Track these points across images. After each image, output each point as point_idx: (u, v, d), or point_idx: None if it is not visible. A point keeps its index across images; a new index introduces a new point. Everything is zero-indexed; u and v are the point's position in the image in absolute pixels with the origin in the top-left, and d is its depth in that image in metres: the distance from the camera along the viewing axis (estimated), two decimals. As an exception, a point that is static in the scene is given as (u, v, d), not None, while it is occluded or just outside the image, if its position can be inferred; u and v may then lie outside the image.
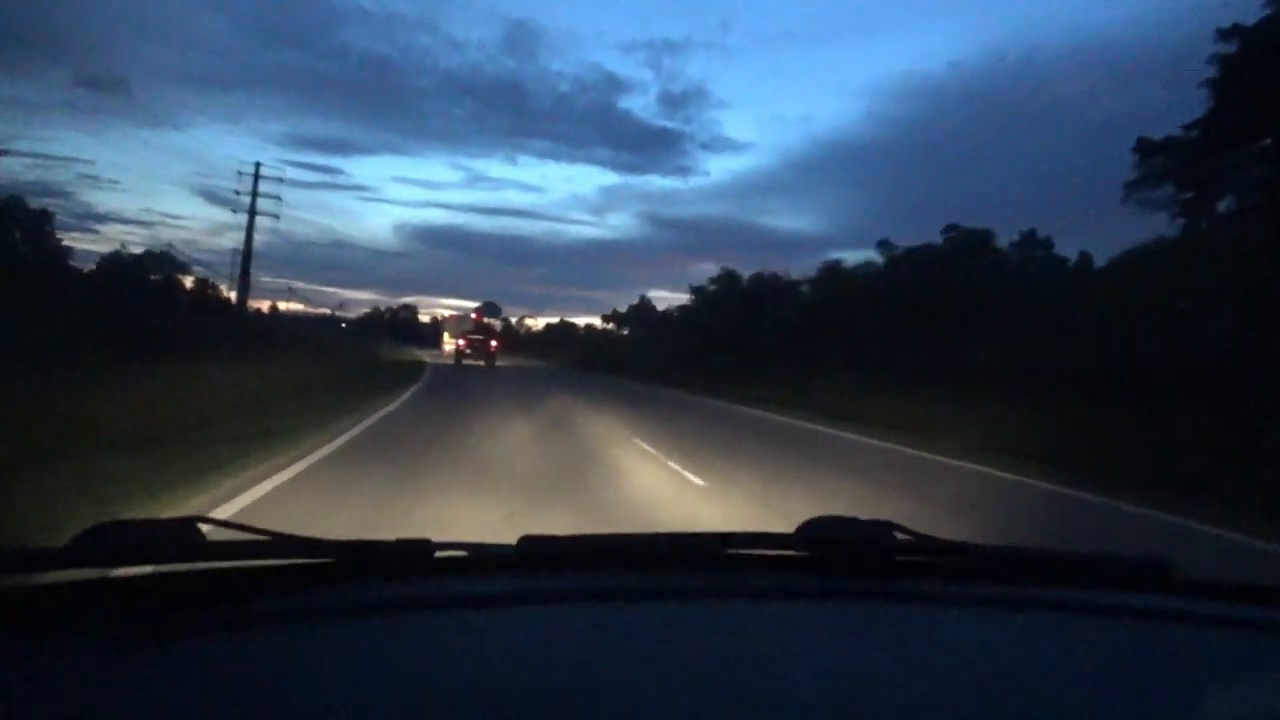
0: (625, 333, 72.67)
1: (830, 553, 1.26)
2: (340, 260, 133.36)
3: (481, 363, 38.63)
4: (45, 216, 30.45)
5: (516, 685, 0.81)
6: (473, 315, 47.49)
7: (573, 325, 75.33)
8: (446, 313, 57.18)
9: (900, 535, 1.26)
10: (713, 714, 0.78)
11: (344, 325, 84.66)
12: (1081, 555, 1.37)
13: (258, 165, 32.62)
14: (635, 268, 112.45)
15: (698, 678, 0.86)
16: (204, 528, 1.01)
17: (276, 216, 32.54)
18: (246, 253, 32.26)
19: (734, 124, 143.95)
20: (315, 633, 0.91)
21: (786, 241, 74.49)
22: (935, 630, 1.09)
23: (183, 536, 0.99)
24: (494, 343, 41.61)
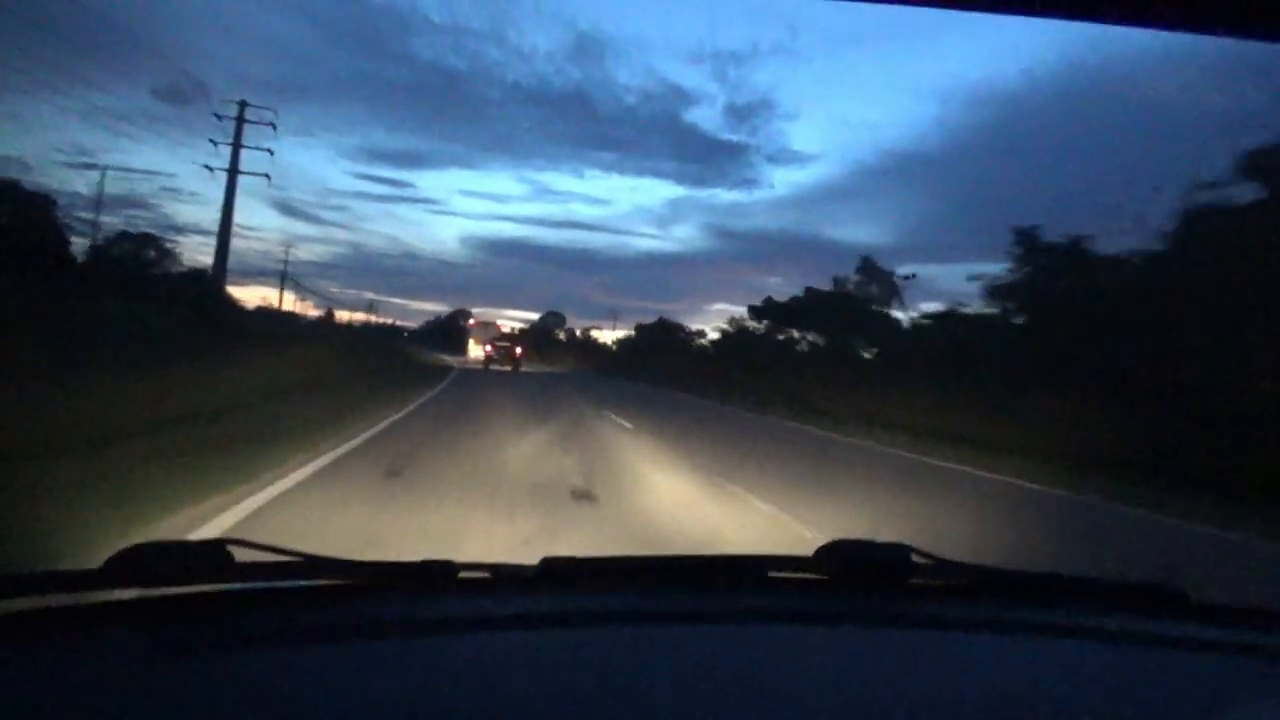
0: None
1: (848, 575, 1.27)
2: (410, 270, 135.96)
3: (508, 368, 41.21)
4: (49, 202, 27.20)
5: (537, 707, 0.82)
6: (497, 323, 51.66)
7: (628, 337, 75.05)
8: (472, 320, 58.63)
9: (917, 558, 1.26)
10: None
11: (406, 334, 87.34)
12: (1097, 580, 1.38)
13: (242, 104, 25.70)
14: (699, 280, 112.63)
15: (717, 700, 0.87)
16: (233, 549, 1.03)
17: (267, 176, 26.62)
18: (226, 220, 25.59)
19: (800, 135, 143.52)
20: (339, 653, 0.93)
21: (852, 253, 74.09)
22: (951, 654, 1.09)
23: (213, 558, 1.01)
24: (518, 349, 44.90)
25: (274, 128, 26.58)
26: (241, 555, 1.04)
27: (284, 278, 29.97)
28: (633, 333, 72.16)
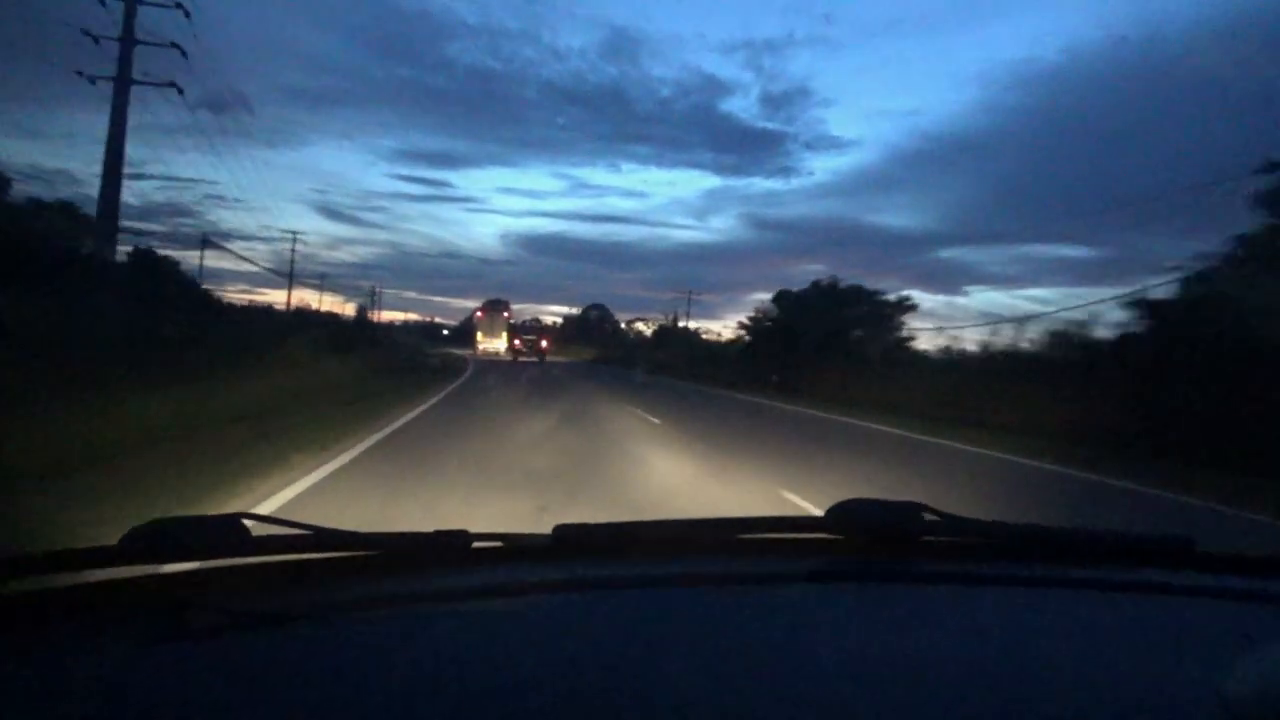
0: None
1: (861, 535, 1.27)
2: (449, 270, 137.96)
3: (535, 359, 41.59)
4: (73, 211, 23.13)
5: (554, 671, 0.83)
6: (505, 315, 47.32)
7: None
8: (479, 312, 50.19)
9: (928, 516, 1.26)
10: (747, 698, 0.79)
11: (445, 332, 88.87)
12: (1105, 532, 1.38)
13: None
14: (738, 270, 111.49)
15: (732, 662, 0.88)
16: (248, 523, 1.04)
17: (180, 91, 17.74)
18: (112, 161, 16.91)
19: (838, 121, 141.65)
20: (356, 625, 0.93)
21: (892, 239, 72.67)
22: (963, 610, 1.10)
23: (227, 533, 1.01)
24: (544, 342, 45.11)
25: (186, 14, 17.24)
26: (257, 530, 1.04)
27: (291, 277, 29.21)
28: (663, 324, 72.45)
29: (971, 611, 1.09)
